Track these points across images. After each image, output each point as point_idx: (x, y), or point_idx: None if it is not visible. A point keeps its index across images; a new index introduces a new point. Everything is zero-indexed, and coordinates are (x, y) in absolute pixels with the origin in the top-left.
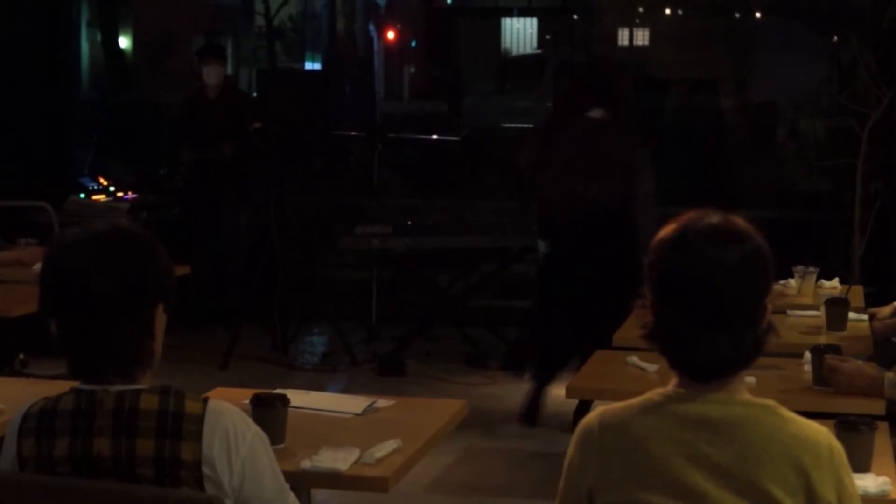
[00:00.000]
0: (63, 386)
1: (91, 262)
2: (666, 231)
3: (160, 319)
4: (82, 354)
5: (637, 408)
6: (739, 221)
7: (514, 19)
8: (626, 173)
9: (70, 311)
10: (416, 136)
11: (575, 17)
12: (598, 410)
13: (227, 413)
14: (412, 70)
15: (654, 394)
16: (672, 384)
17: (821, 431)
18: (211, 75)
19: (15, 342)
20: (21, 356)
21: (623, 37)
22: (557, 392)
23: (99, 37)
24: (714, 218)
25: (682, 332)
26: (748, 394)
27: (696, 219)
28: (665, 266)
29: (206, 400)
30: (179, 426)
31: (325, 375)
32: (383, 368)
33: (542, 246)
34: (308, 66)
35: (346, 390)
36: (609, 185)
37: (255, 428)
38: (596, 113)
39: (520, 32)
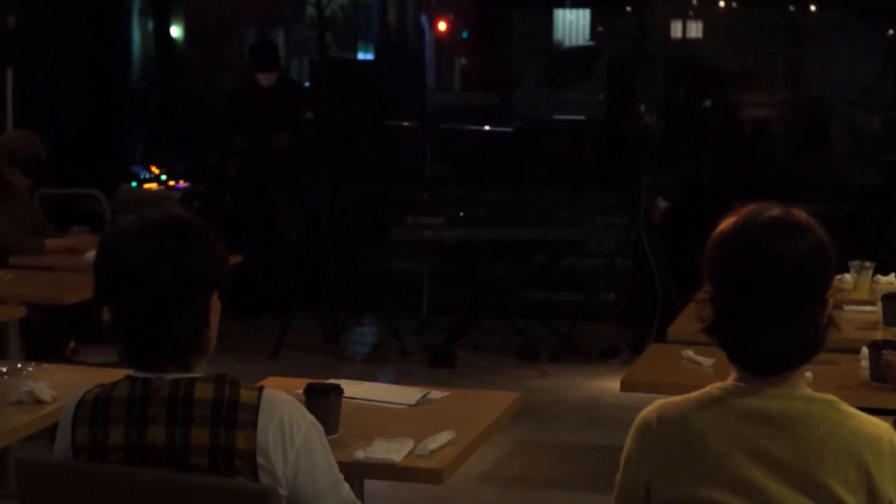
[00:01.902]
0: (115, 373)
1: (146, 250)
2: (726, 224)
3: (215, 307)
4: (137, 342)
5: (696, 402)
6: (801, 214)
7: (567, 11)
8: None
9: (125, 299)
10: (470, 126)
11: (628, 8)
12: (657, 404)
13: (282, 402)
14: (463, 61)
15: (713, 388)
16: (731, 378)
17: (882, 427)
18: (266, 79)
19: (66, 330)
20: (72, 344)
21: (676, 29)
22: (611, 385)
23: (150, 26)
24: (775, 211)
25: (743, 326)
26: (808, 389)
27: (756, 211)
28: (725, 259)
29: (261, 389)
30: (234, 415)
31: (375, 366)
32: (434, 360)
33: None
34: (359, 56)
35: (396, 382)
36: None
37: (310, 418)
38: None
39: (572, 24)
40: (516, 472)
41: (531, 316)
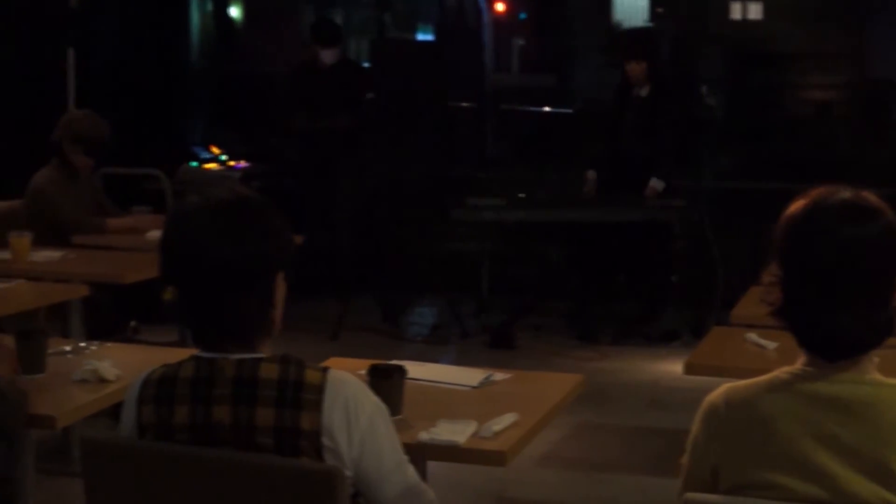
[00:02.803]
0: (178, 353)
1: (212, 230)
2: (795, 206)
3: (280, 288)
4: (202, 322)
5: (764, 386)
6: (871, 197)
7: None
8: None
9: (191, 278)
10: (529, 107)
11: None
12: (724, 388)
13: (347, 383)
14: (521, 42)
15: (782, 372)
16: (800, 362)
17: None
18: (328, 56)
19: (127, 309)
20: (133, 323)
21: (736, 10)
22: (672, 368)
23: (210, 6)
24: (845, 193)
25: (812, 310)
26: (878, 374)
27: (826, 194)
28: (795, 242)
29: (326, 370)
30: (300, 395)
31: (435, 347)
32: (494, 341)
33: None
34: (418, 37)
35: (455, 363)
36: None
37: (375, 399)
38: None
39: (631, 5)
40: (577, 455)
41: (589, 298)
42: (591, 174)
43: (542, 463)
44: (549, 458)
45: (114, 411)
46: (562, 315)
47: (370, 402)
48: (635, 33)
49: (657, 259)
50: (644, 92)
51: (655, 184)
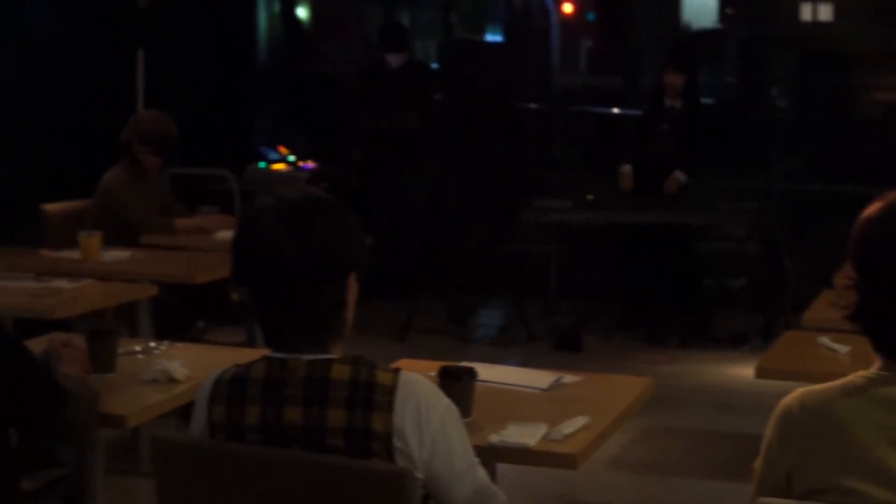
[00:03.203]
0: (248, 353)
1: (285, 230)
2: (872, 209)
3: (352, 288)
4: (274, 323)
5: (839, 390)
6: None
7: None
8: None
9: (263, 279)
10: (598, 109)
11: None
12: (798, 392)
13: (418, 385)
14: (588, 43)
15: (857, 376)
16: (875, 367)
17: None
18: (395, 60)
19: (195, 309)
20: (200, 323)
21: (806, 11)
22: (741, 372)
23: (277, 7)
24: None
25: (889, 313)
26: None
27: None
28: (871, 245)
29: (397, 371)
30: (371, 397)
31: (501, 349)
32: (560, 344)
33: None
34: (486, 37)
35: (522, 365)
36: None
37: (447, 401)
38: None
39: (700, 6)
40: (646, 458)
41: (659, 301)
42: (627, 168)
43: (610, 466)
44: (617, 462)
45: (182, 411)
46: (628, 317)
47: (441, 404)
48: (681, 44)
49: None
50: (678, 104)
51: (679, 175)
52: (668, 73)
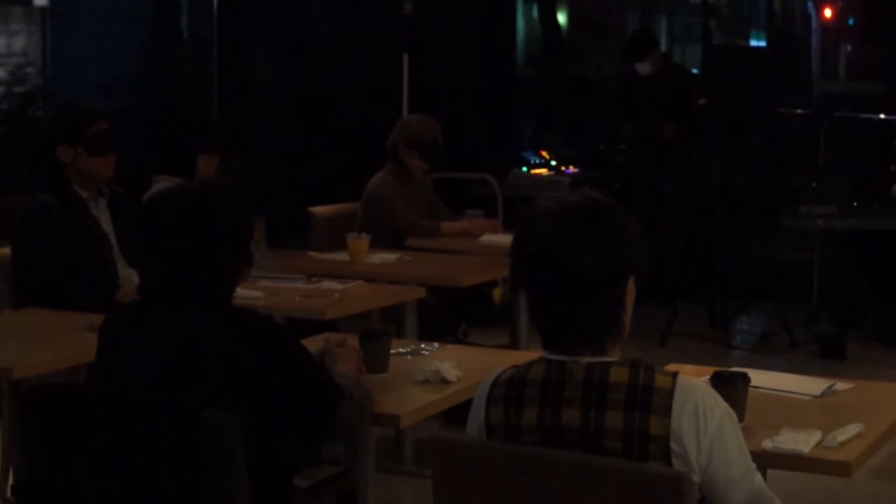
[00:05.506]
0: (520, 355)
1: (566, 234)
2: None
3: (630, 292)
4: (554, 325)
5: None
6: None
7: None
8: None
9: (544, 282)
10: (863, 114)
11: None
12: None
13: (696, 389)
14: (849, 48)
15: None
16: None
17: None
18: (642, 68)
19: (458, 312)
20: (463, 326)
21: None
22: None
23: (535, 12)
24: None
25: None
26: None
27: None
28: None
29: (675, 374)
30: (649, 400)
31: (763, 356)
32: (824, 351)
33: None
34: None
35: (784, 372)
36: None
37: (724, 405)
38: None
39: None
40: None
41: None
42: None
43: (876, 475)
44: (884, 470)
45: (445, 412)
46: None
47: (720, 408)
48: None
49: None
50: None
51: None
52: None
